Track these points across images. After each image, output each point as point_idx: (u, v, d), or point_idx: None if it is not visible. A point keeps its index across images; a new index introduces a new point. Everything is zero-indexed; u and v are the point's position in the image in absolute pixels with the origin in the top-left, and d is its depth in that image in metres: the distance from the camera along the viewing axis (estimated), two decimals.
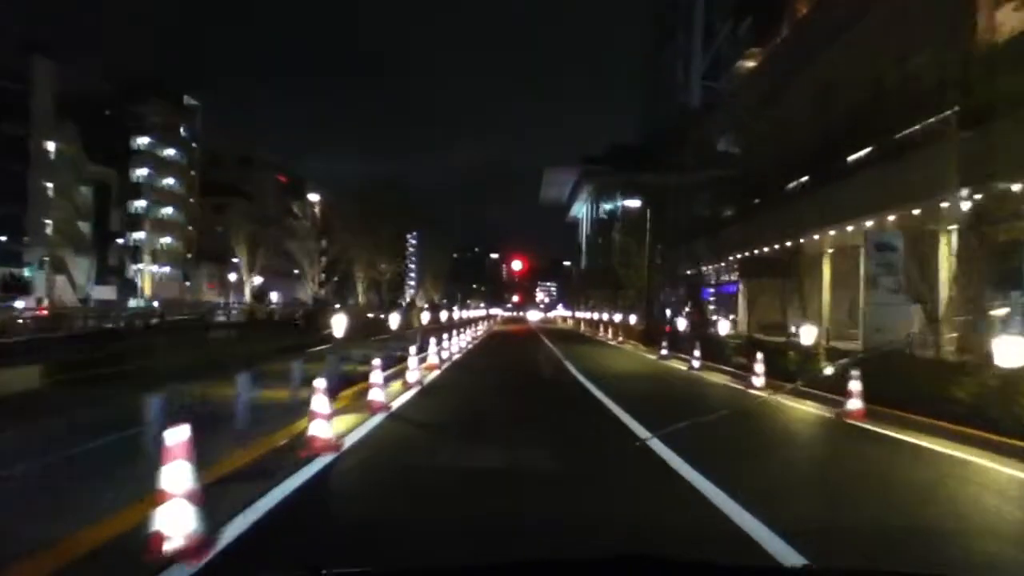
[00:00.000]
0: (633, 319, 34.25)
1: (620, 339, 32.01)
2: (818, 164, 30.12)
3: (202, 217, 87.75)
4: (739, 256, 45.46)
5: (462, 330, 28.21)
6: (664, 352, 22.12)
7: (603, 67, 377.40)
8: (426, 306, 42.89)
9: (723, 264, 52.94)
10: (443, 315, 30.18)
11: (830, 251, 37.59)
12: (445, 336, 20.60)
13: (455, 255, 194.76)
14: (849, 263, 35.02)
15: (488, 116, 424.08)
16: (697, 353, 17.98)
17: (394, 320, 15.79)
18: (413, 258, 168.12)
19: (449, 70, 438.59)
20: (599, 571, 1.90)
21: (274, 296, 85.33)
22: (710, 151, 37.19)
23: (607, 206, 76.78)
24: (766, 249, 38.20)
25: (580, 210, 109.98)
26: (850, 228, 28.15)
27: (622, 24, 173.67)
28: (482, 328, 39.60)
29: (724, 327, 18.93)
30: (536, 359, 22.43)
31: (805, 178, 34.99)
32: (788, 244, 34.36)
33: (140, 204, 76.22)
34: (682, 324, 23.78)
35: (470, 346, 26.62)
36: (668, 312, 44.62)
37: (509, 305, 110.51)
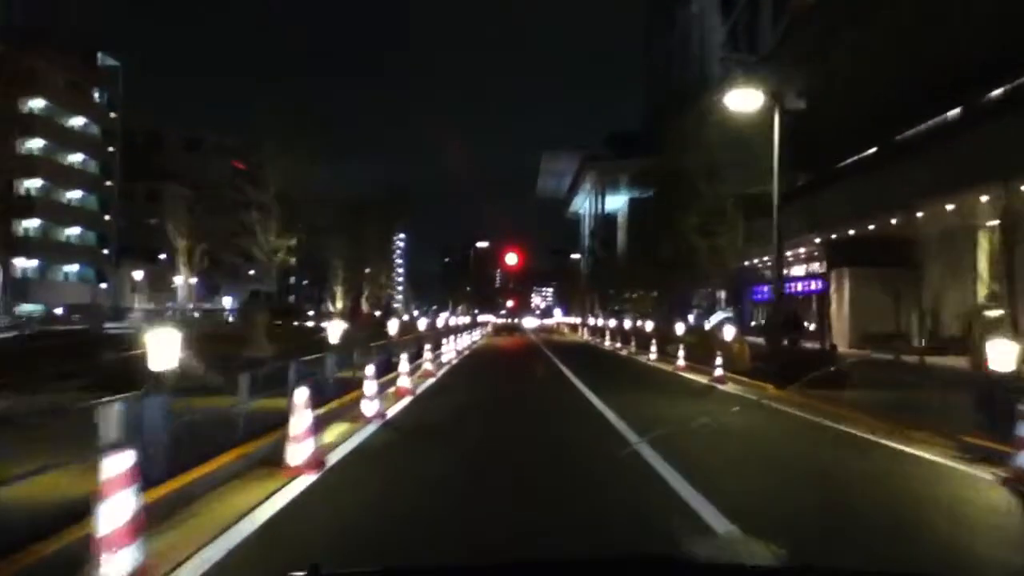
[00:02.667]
0: (729, 332, 18.37)
1: (713, 375, 16.18)
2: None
3: (129, 205, 71.99)
4: (833, 237, 31.57)
5: (400, 358, 12.52)
6: None
7: (595, 65, 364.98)
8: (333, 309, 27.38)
9: (791, 253, 38.88)
10: (355, 324, 14.23)
11: (989, 224, 23.07)
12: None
13: (446, 259, 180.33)
14: None
15: (481, 116, 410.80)
16: None
17: None
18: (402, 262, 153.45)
19: (445, 68, 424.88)
20: (606, 571, 1.78)
21: (227, 300, 70.43)
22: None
23: (626, 197, 68.03)
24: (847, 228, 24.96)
25: (582, 203, 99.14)
26: None
27: (617, 13, 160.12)
28: (454, 350, 23.52)
29: None
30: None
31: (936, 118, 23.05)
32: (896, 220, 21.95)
33: (33, 184, 60.02)
34: (1011, 354, 7.79)
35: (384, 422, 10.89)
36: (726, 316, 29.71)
37: (503, 311, 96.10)
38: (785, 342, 22.99)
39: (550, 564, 2.06)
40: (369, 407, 9.32)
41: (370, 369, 9.49)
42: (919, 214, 27.61)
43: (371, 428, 8.85)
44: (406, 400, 11.88)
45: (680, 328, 23.75)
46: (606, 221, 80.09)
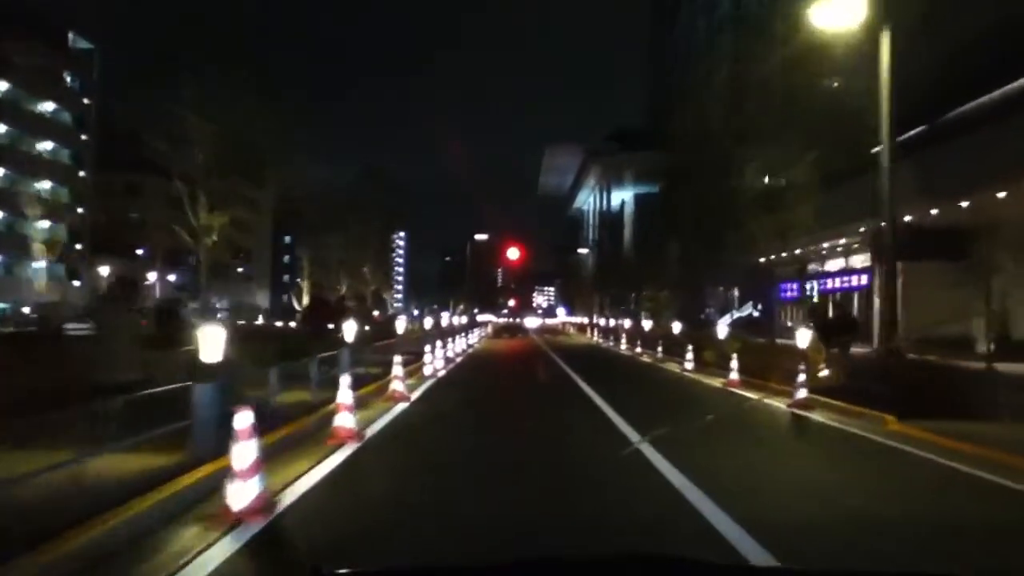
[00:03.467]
0: (803, 338, 13.83)
1: (795, 398, 11.62)
2: None
3: (107, 198, 67.22)
4: (883, 225, 26.66)
5: None
6: None
7: (595, 64, 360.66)
8: None
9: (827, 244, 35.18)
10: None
11: None
12: None
13: (447, 258, 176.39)
14: None
15: (481, 116, 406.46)
16: None
17: None
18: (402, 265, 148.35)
19: (445, 68, 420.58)
20: (606, 571, 1.78)
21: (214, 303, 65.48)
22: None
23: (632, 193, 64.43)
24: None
25: (586, 199, 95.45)
26: None
27: (617, 13, 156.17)
28: (442, 357, 18.82)
29: None
30: None
31: None
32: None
33: None
34: None
35: None
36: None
37: (504, 311, 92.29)
38: (836, 347, 18.60)
39: (550, 564, 1.84)
40: (238, 493, 4.70)
41: (244, 417, 4.87)
42: (1000, 195, 23.11)
43: (215, 555, 4.20)
44: (341, 456, 7.19)
45: (723, 331, 19.18)
46: (612, 217, 76.22)
